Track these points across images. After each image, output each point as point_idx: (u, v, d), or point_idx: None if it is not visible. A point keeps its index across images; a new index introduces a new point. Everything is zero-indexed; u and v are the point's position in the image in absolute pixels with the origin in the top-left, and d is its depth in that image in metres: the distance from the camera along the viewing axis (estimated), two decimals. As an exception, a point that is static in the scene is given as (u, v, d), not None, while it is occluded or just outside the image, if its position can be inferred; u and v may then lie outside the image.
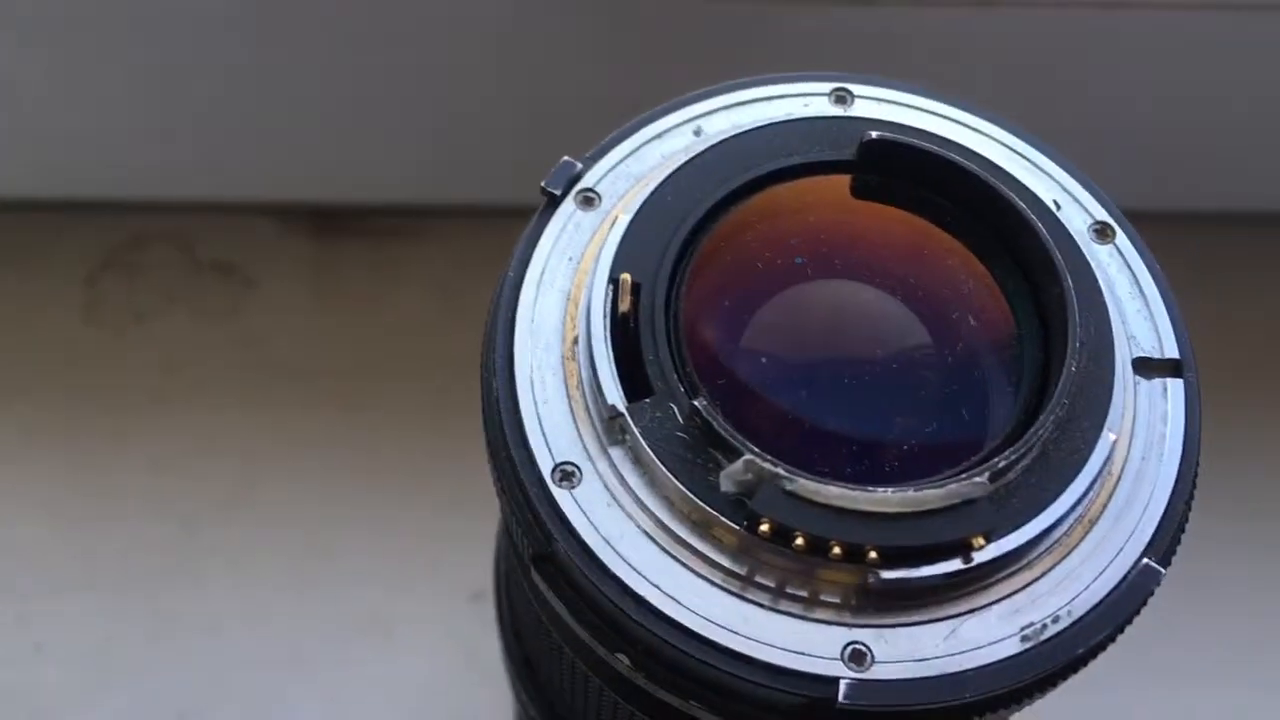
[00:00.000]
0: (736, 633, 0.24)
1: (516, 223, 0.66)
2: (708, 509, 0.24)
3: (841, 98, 0.30)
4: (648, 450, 0.25)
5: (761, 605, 0.24)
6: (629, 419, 0.25)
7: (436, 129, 0.57)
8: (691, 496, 0.25)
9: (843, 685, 0.24)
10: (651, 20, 0.52)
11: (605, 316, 0.26)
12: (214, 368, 0.59)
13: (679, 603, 0.25)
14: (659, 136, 0.30)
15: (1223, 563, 0.54)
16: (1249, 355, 0.60)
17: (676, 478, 0.25)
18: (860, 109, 0.30)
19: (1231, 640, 0.55)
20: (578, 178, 0.29)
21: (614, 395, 0.25)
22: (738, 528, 0.24)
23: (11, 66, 0.55)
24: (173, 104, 0.57)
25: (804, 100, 0.30)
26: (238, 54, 0.54)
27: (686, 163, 0.28)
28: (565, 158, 0.29)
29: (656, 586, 0.25)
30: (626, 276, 0.26)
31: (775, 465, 0.24)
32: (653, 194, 0.28)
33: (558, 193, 0.29)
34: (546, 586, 0.26)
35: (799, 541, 0.24)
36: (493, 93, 0.55)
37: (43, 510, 0.56)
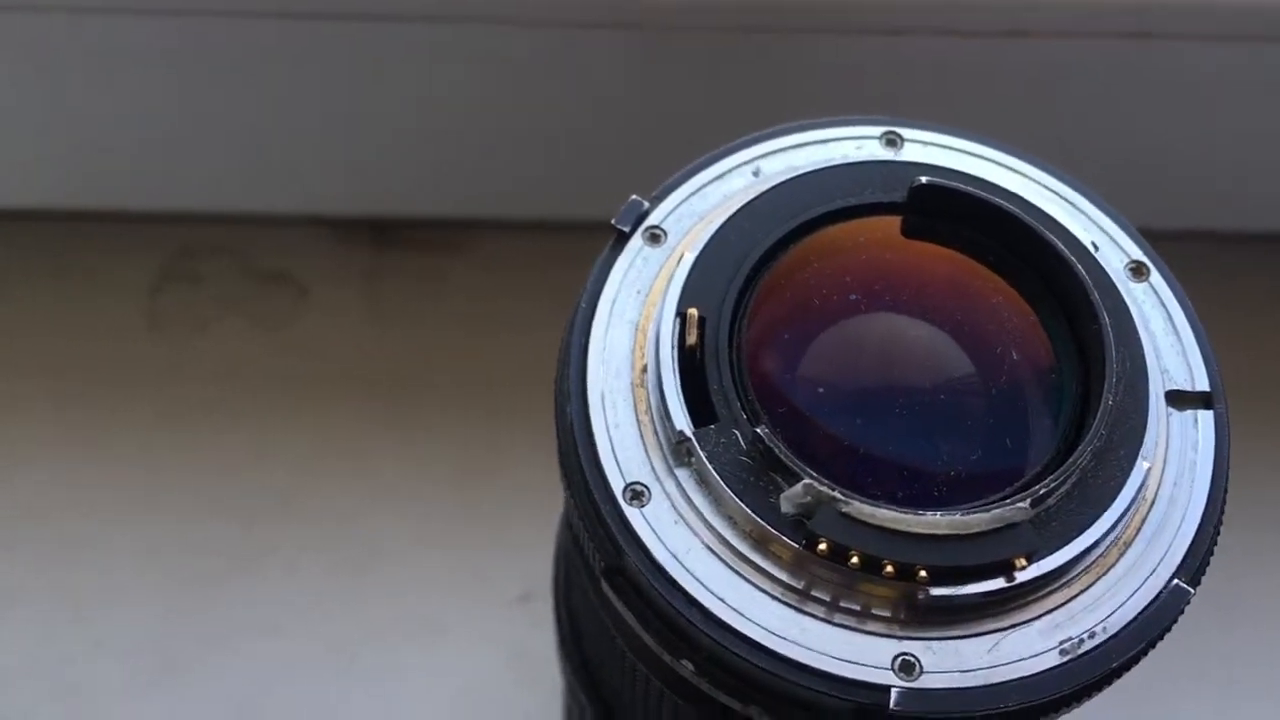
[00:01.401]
0: (794, 642, 0.26)
1: (565, 238, 0.68)
2: (768, 528, 0.26)
3: (892, 141, 0.32)
4: (713, 473, 0.27)
5: (817, 617, 0.26)
6: (695, 443, 0.27)
7: (487, 145, 0.59)
8: (753, 516, 0.27)
9: (894, 693, 0.26)
10: (692, 52, 0.54)
11: (673, 348, 0.28)
12: (270, 375, 0.61)
13: (741, 614, 0.27)
14: (720, 177, 0.32)
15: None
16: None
17: (739, 498, 0.27)
18: (910, 153, 0.32)
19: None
20: (645, 215, 0.31)
21: (681, 421, 0.27)
22: (796, 546, 0.26)
23: (74, 79, 0.57)
24: (230, 118, 0.59)
25: (856, 143, 0.32)
26: (292, 70, 0.57)
27: (747, 203, 0.30)
28: (633, 196, 0.31)
29: (720, 598, 0.27)
30: (693, 311, 0.28)
31: (833, 489, 0.26)
32: (716, 232, 0.30)
33: (626, 229, 0.31)
34: (616, 597, 0.28)
35: (854, 560, 0.26)
36: (542, 114, 0.57)
37: (105, 512, 0.59)
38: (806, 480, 0.26)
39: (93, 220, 0.64)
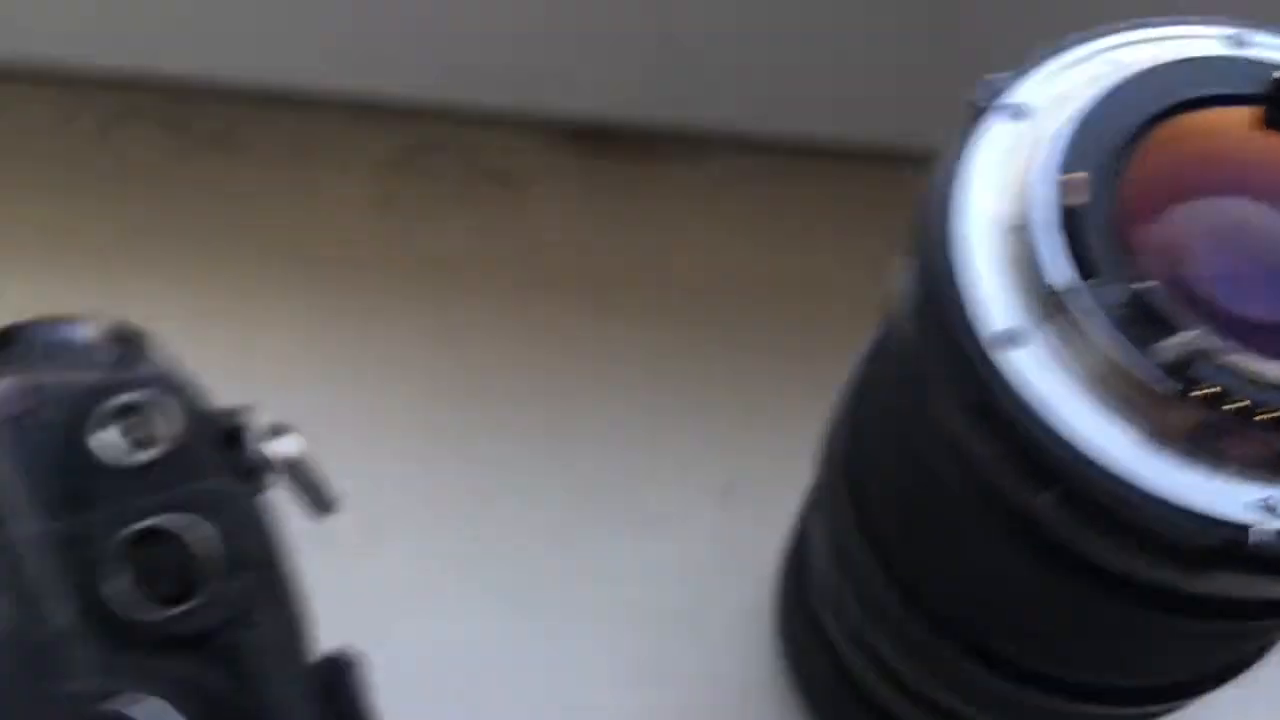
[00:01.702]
0: (1160, 478, 0.28)
1: (788, 159, 0.69)
2: (1143, 374, 0.29)
3: (1241, 42, 0.34)
4: (1089, 322, 0.29)
5: (1184, 458, 0.28)
6: (1073, 295, 0.29)
7: (726, 56, 0.61)
8: (1129, 363, 0.29)
9: (1254, 532, 0.28)
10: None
11: (1053, 207, 0.30)
12: (487, 271, 0.64)
13: (1106, 450, 0.29)
14: (1078, 63, 0.34)
15: None
16: None
17: (1115, 347, 0.29)
18: (1259, 53, 0.34)
19: None
20: (1003, 93, 0.33)
21: (1058, 275, 0.30)
22: (1171, 393, 0.28)
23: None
24: (472, 15, 0.61)
25: (1210, 41, 0.34)
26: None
27: (1114, 86, 0.32)
28: (991, 75, 0.33)
29: (1086, 435, 0.29)
30: (1080, 174, 0.30)
31: (1215, 339, 0.28)
32: (1085, 109, 0.32)
33: (987, 105, 0.33)
34: (980, 432, 0.30)
35: (1229, 407, 0.28)
36: (790, 30, 0.59)
37: (332, 381, 0.62)
38: (1188, 331, 0.28)
39: (331, 106, 0.67)
